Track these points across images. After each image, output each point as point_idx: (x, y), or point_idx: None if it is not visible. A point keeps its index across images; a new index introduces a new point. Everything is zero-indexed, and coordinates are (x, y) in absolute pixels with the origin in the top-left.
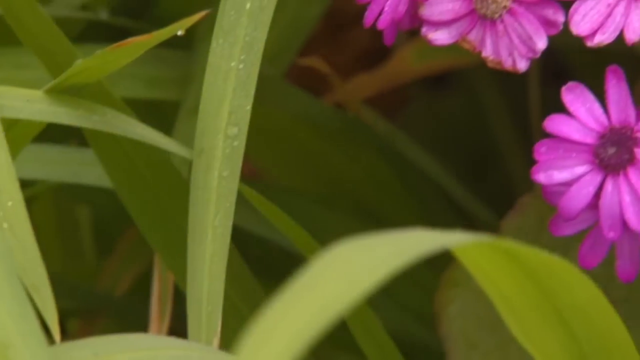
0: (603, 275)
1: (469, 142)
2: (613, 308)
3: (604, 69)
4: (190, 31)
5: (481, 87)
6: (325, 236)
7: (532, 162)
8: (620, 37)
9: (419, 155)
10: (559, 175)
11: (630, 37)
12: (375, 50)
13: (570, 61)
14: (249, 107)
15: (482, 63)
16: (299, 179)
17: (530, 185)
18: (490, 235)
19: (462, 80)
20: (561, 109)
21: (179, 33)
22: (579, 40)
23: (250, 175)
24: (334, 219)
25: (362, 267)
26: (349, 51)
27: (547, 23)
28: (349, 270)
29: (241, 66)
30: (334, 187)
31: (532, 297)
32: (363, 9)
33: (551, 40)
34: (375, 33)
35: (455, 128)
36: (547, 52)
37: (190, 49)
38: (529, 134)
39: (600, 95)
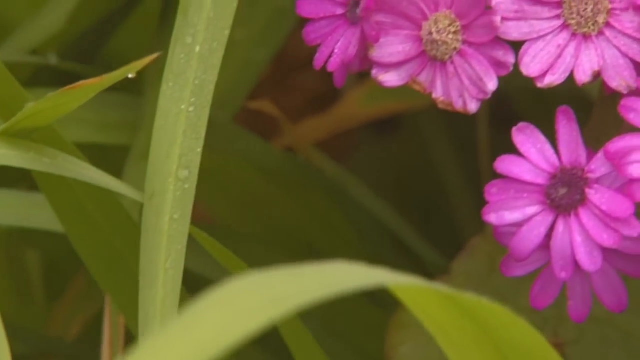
0: (554, 316)
1: (418, 185)
2: (559, 350)
3: (552, 111)
4: (139, 75)
5: (430, 130)
6: None
7: (481, 204)
8: (570, 79)
9: (368, 199)
10: (510, 216)
11: (581, 78)
12: (324, 94)
13: (518, 104)
14: (199, 150)
15: (430, 106)
16: (248, 223)
17: (480, 227)
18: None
19: (411, 123)
20: (509, 151)
21: (130, 76)
22: (528, 83)
23: (200, 219)
24: (284, 263)
25: (260, 303)
26: (298, 95)
27: (497, 64)
28: (245, 305)
29: (191, 109)
30: (284, 231)
31: (474, 339)
32: (312, 52)
33: (499, 82)
34: (324, 76)
35: (405, 171)
36: (495, 95)
37: (140, 93)
38: (478, 177)
39: (550, 137)
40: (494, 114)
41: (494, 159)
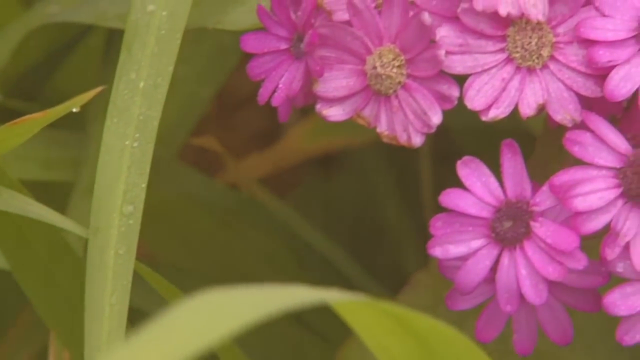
0: (499, 350)
1: (362, 220)
2: None
3: (494, 146)
4: (83, 112)
5: (373, 165)
6: None
7: (424, 238)
8: (513, 113)
9: (312, 235)
10: (455, 250)
11: (525, 111)
12: (268, 130)
13: (460, 138)
14: (144, 185)
15: (374, 141)
16: (192, 259)
17: (425, 261)
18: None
19: (354, 158)
20: (452, 186)
21: (74, 110)
22: (471, 117)
23: (144, 255)
24: None
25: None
26: (242, 131)
27: (441, 98)
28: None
29: (136, 144)
30: (229, 267)
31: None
32: (255, 88)
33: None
34: (268, 112)
35: (348, 206)
36: (437, 129)
37: (83, 130)
38: (421, 211)
39: (494, 171)
40: (436, 149)
41: (436, 193)
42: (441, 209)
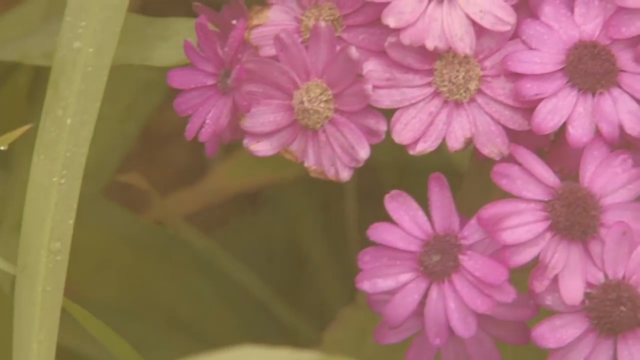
0: None
1: (288, 257)
2: None
3: (419, 180)
4: (8, 149)
5: (299, 201)
6: (148, 353)
7: (350, 274)
8: (441, 147)
9: (238, 272)
10: (384, 284)
11: (453, 145)
12: (194, 166)
13: (386, 174)
14: (71, 222)
15: (299, 177)
16: (118, 296)
17: (351, 297)
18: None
19: (279, 195)
20: (377, 221)
21: (2, 148)
22: (397, 152)
23: (69, 293)
24: (155, 337)
25: None
26: (168, 167)
27: (369, 132)
28: None
29: (63, 181)
30: (155, 305)
31: None
32: (181, 125)
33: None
34: (194, 148)
35: (275, 243)
36: (363, 165)
37: (8, 167)
38: (346, 247)
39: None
40: (361, 184)
41: (362, 228)
42: (366, 244)
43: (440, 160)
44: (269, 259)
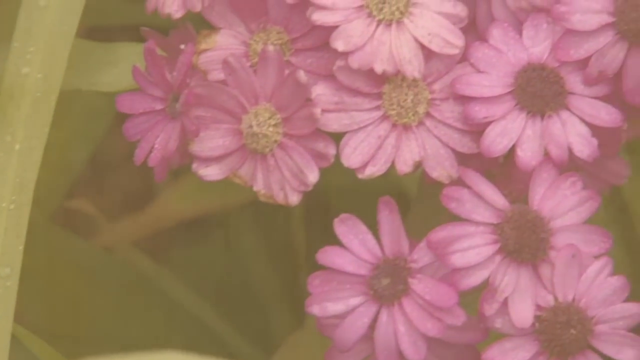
0: None
1: (236, 282)
2: None
3: (368, 205)
4: None
5: (247, 225)
6: None
7: (299, 298)
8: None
9: (187, 297)
10: (333, 307)
11: (402, 168)
12: (143, 192)
13: (335, 198)
14: (21, 248)
15: (248, 202)
16: (66, 322)
17: (300, 321)
18: None
19: (227, 220)
20: (325, 245)
21: None
22: (345, 176)
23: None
24: None
25: None
26: (116, 193)
27: (318, 156)
28: None
29: (12, 207)
30: (103, 330)
31: None
32: (130, 150)
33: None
34: (143, 173)
35: (223, 268)
36: (310, 190)
37: None
38: (294, 271)
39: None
40: (309, 208)
41: (310, 253)
42: (315, 268)
43: (388, 183)
44: (217, 284)
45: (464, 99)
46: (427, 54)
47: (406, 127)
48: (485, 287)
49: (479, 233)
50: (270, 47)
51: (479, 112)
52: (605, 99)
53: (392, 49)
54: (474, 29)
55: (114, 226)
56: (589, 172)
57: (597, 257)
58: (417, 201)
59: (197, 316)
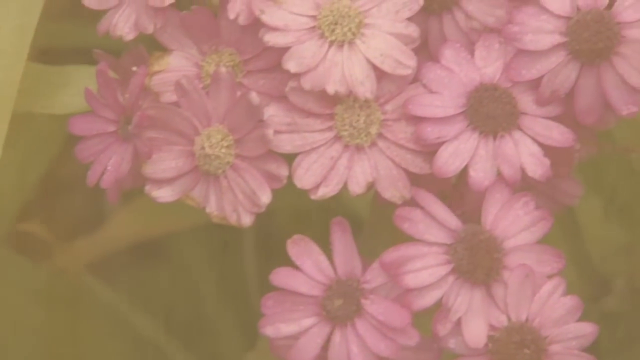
0: None
1: (189, 304)
2: None
3: (321, 226)
4: None
5: (198, 248)
6: None
7: (250, 320)
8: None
9: (140, 320)
10: (287, 329)
11: (354, 189)
12: (95, 214)
13: (284, 220)
14: None
15: (200, 224)
16: (20, 346)
17: (253, 344)
18: None
19: (180, 241)
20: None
21: None
22: (297, 198)
23: None
24: None
25: None
26: (69, 215)
27: (270, 177)
28: None
29: None
30: (58, 355)
31: None
32: (82, 173)
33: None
34: (96, 196)
35: (176, 290)
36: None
37: None
38: (247, 293)
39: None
40: (259, 230)
41: (261, 274)
42: (266, 290)
43: (341, 204)
44: (169, 306)
45: (417, 120)
46: (380, 74)
47: (359, 148)
48: (439, 308)
49: (432, 253)
50: (223, 69)
51: (432, 132)
52: (557, 119)
53: (344, 70)
54: (426, 50)
55: (67, 249)
56: (541, 192)
57: (550, 277)
58: (370, 222)
59: (149, 338)
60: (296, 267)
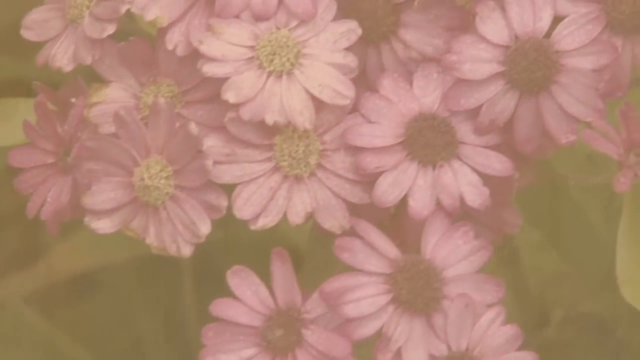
0: None
1: (126, 336)
2: None
3: (258, 258)
4: None
5: (136, 280)
6: None
7: (190, 352)
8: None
9: (78, 352)
10: (227, 359)
11: (294, 219)
12: (35, 246)
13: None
14: None
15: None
16: None
17: None
18: None
19: (118, 273)
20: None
21: None
22: (237, 230)
23: None
24: None
25: None
26: (7, 248)
27: (210, 208)
28: None
29: None
30: None
31: None
32: (21, 205)
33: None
34: (35, 228)
35: (113, 323)
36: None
37: None
38: (185, 325)
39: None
40: (198, 261)
41: (200, 306)
42: (205, 321)
43: (280, 235)
44: (108, 339)
45: (356, 150)
46: (318, 104)
47: (298, 178)
48: (379, 337)
49: (372, 283)
50: (161, 100)
51: (371, 162)
52: (496, 148)
53: (283, 100)
54: (364, 79)
55: (5, 281)
56: (481, 221)
57: (489, 305)
58: (310, 252)
59: None
60: (236, 298)
